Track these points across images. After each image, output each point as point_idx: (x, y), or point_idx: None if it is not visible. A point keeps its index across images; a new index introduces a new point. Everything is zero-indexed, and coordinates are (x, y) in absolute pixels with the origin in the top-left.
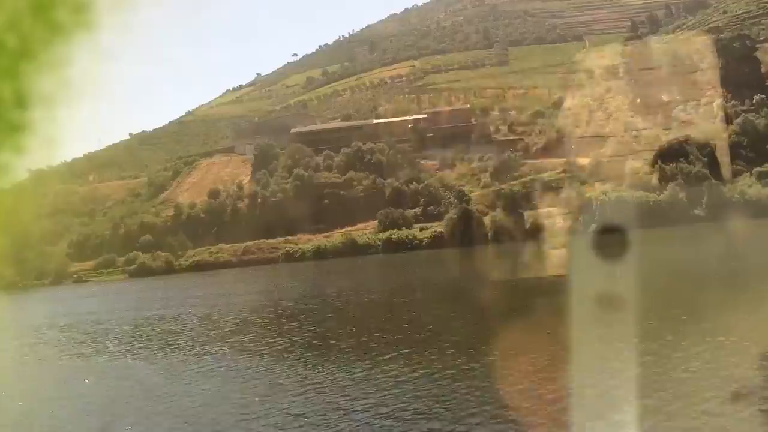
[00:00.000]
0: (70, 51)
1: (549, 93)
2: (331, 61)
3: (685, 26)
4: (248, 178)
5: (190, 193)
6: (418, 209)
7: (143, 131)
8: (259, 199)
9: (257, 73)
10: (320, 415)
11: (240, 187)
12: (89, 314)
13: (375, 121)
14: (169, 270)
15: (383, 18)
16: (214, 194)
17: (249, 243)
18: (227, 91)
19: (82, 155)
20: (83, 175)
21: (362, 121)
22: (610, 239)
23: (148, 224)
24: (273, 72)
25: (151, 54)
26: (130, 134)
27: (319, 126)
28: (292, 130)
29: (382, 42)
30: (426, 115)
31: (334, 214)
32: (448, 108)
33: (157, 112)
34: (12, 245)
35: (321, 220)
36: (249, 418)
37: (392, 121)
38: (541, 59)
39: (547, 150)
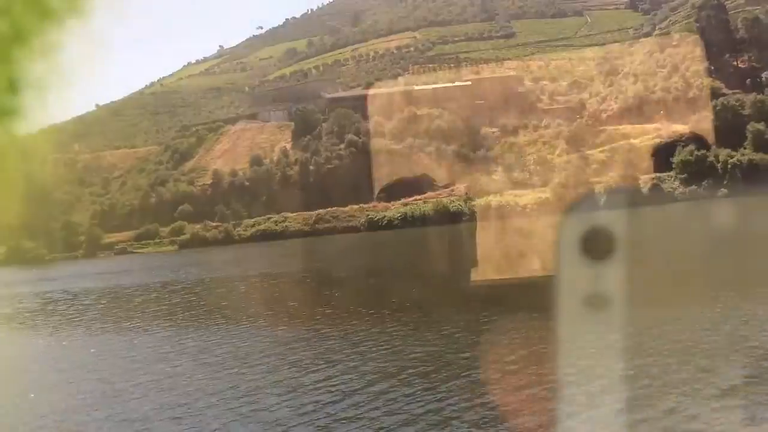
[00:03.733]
0: (62, 36)
1: (571, 63)
2: (303, 34)
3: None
4: (289, 144)
5: (223, 160)
6: (496, 176)
7: (111, 102)
8: (311, 167)
9: (220, 46)
10: None
11: (285, 154)
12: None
13: (416, 87)
14: (227, 240)
15: None
16: (256, 161)
17: (321, 211)
18: (189, 63)
19: (47, 126)
20: (64, 145)
21: (402, 87)
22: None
23: (184, 193)
24: (238, 45)
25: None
26: (97, 105)
27: (355, 92)
28: (329, 96)
29: (363, 14)
30: (470, 82)
31: (397, 182)
32: (490, 76)
33: (107, 84)
34: (33, 215)
35: (381, 187)
36: None
37: (436, 88)
38: (546, 33)
39: (623, 116)
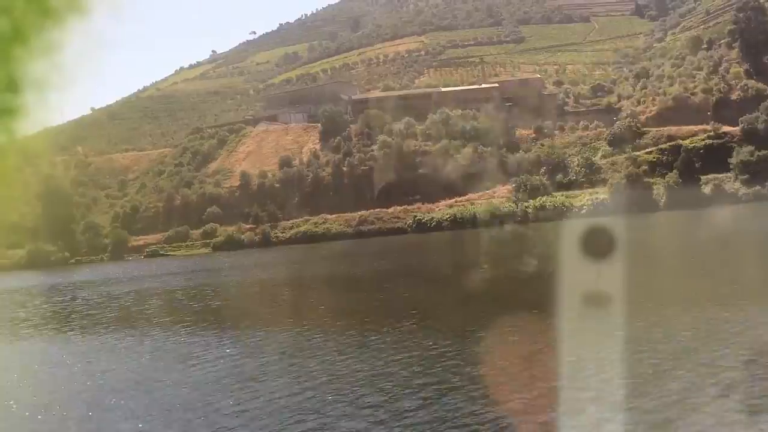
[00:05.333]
0: (63, 35)
1: (587, 67)
2: (298, 39)
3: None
4: (318, 145)
5: (249, 162)
6: (541, 177)
7: (107, 105)
8: (344, 168)
9: (213, 51)
10: None
11: (316, 155)
12: None
13: (443, 89)
14: (264, 243)
15: None
16: (285, 163)
17: (364, 212)
18: (182, 68)
19: (45, 128)
20: (66, 147)
21: (428, 89)
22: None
23: (211, 195)
24: (231, 50)
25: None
26: (92, 109)
27: (379, 93)
28: (354, 97)
29: (362, 19)
30: (497, 84)
31: (434, 184)
32: (511, 78)
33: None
34: (50, 217)
35: (416, 190)
36: None
37: (465, 90)
38: (554, 38)
39: (664, 118)
